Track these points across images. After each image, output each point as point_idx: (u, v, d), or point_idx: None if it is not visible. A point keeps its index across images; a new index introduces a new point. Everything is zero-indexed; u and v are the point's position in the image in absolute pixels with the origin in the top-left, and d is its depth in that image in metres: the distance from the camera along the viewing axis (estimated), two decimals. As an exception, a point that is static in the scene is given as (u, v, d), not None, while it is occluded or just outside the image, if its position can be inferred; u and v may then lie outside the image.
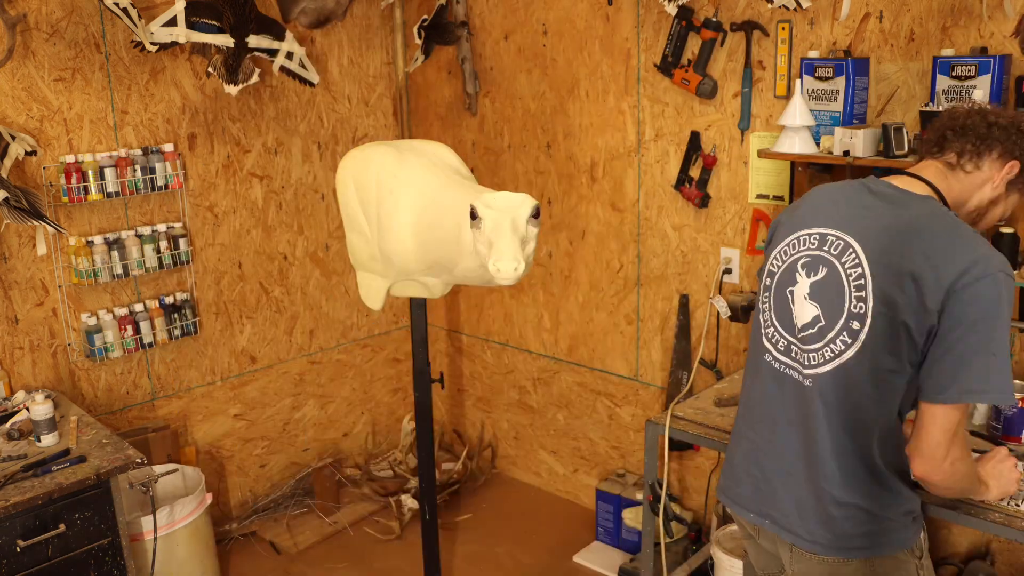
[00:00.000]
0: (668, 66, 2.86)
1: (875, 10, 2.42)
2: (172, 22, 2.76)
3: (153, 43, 2.73)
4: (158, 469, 2.78)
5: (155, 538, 2.61)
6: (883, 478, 1.55)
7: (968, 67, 2.16)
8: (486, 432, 3.98)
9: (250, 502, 3.54)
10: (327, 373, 3.74)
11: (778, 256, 1.62)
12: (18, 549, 2.13)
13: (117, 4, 2.59)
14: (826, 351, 1.50)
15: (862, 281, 1.46)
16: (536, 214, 1.92)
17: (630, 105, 3.05)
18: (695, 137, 2.89)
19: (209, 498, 2.88)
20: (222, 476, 3.43)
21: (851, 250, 1.49)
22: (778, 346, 1.60)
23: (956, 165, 1.58)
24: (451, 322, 4.00)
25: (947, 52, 2.25)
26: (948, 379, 1.44)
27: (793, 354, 1.57)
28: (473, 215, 1.92)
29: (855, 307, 1.47)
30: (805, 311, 1.54)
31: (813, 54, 2.46)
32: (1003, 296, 1.40)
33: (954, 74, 2.19)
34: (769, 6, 2.56)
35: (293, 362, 3.61)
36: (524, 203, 1.90)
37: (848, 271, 1.49)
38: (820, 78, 2.39)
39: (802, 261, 1.56)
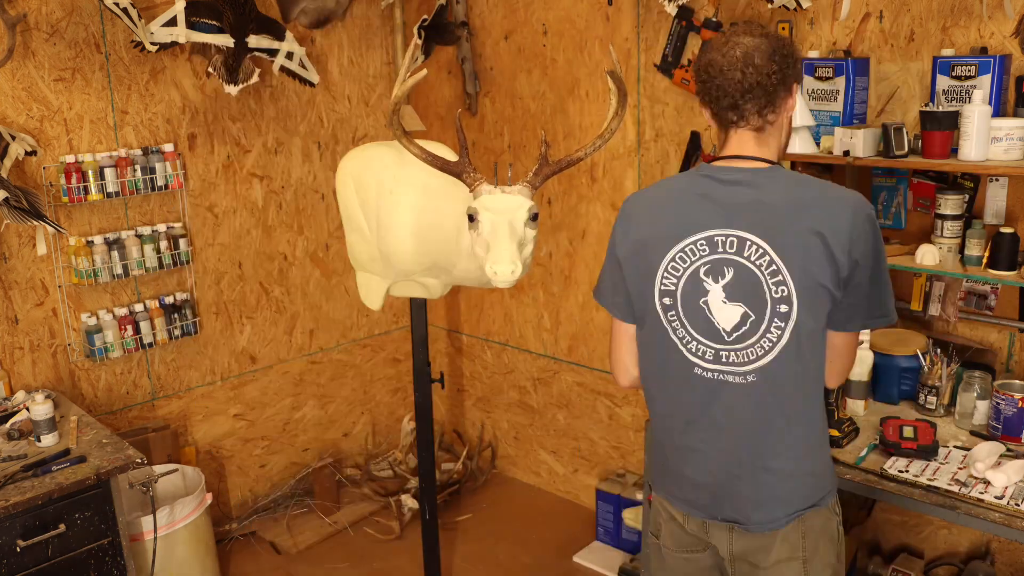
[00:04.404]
0: (668, 66, 2.86)
1: (875, 10, 2.42)
2: (172, 22, 2.76)
3: (153, 43, 2.73)
4: (158, 469, 2.79)
5: (155, 538, 2.61)
6: (824, 438, 1.67)
7: (968, 67, 2.16)
8: (486, 432, 3.98)
9: (250, 502, 3.54)
10: (327, 373, 3.74)
11: (668, 273, 1.60)
12: (18, 549, 2.13)
13: (117, 4, 2.59)
14: (763, 342, 1.54)
15: (774, 267, 1.50)
16: (534, 216, 1.92)
17: (630, 105, 3.04)
18: (695, 137, 2.89)
19: (209, 498, 2.88)
20: (222, 476, 3.43)
21: (748, 243, 1.52)
22: (706, 356, 1.60)
23: (763, 127, 1.58)
24: (451, 322, 4.00)
25: (947, 52, 2.25)
26: (872, 308, 1.56)
27: (725, 359, 1.58)
28: (471, 217, 1.91)
29: (776, 292, 1.51)
30: (729, 314, 1.56)
31: (813, 54, 2.46)
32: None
33: (954, 74, 2.19)
34: (769, 6, 2.56)
35: (293, 362, 3.61)
36: (522, 205, 1.90)
37: (756, 262, 1.52)
38: (820, 78, 2.39)
39: (703, 270, 1.56)
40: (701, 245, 1.56)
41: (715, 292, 1.56)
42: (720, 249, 1.54)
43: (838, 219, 1.49)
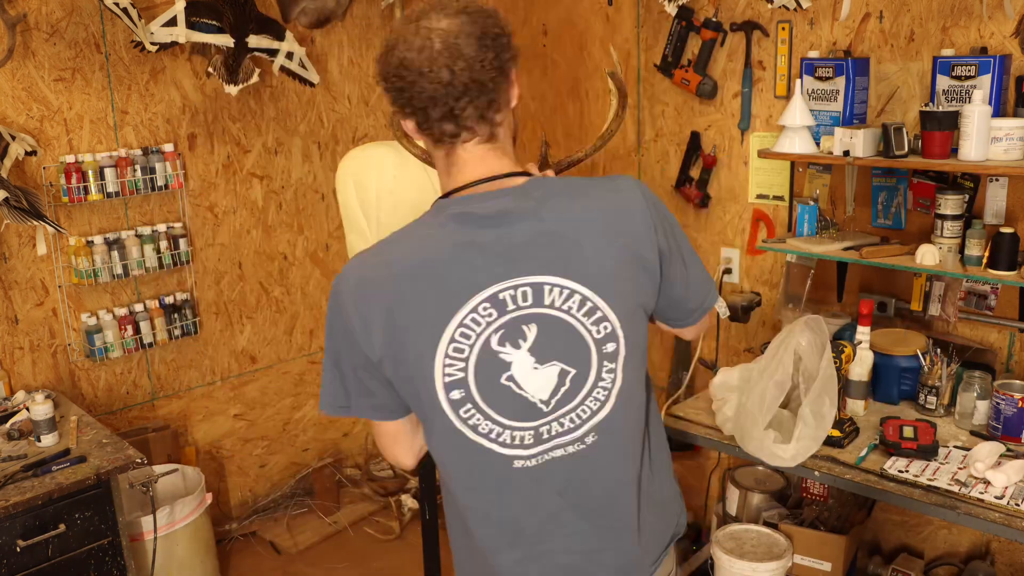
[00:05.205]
0: (668, 66, 2.86)
1: (875, 10, 2.42)
2: (172, 22, 2.76)
3: (153, 43, 2.73)
4: (158, 469, 2.78)
5: (155, 538, 2.61)
6: (664, 455, 1.44)
7: (968, 67, 2.16)
8: (486, 432, 3.97)
9: (250, 502, 3.54)
10: (327, 373, 3.74)
11: (451, 358, 1.21)
12: (18, 549, 2.13)
13: (117, 4, 2.59)
14: (596, 393, 1.25)
15: (589, 305, 1.22)
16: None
17: (630, 105, 3.05)
18: (695, 137, 2.89)
19: (209, 498, 2.88)
20: (222, 476, 3.43)
21: (548, 287, 1.21)
22: (524, 442, 1.25)
23: (494, 133, 1.28)
24: (451, 322, 3.99)
25: (947, 52, 2.25)
26: (697, 290, 1.37)
27: (548, 434, 1.25)
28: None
29: (598, 333, 1.23)
30: (543, 379, 1.23)
31: (813, 54, 2.46)
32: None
33: (954, 74, 2.19)
34: (769, 6, 2.56)
35: (293, 362, 3.61)
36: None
37: (563, 307, 1.21)
38: (820, 78, 2.39)
39: (495, 340, 1.21)
40: (485, 310, 1.20)
41: (520, 361, 1.22)
42: (512, 307, 1.20)
43: (632, 216, 1.24)
